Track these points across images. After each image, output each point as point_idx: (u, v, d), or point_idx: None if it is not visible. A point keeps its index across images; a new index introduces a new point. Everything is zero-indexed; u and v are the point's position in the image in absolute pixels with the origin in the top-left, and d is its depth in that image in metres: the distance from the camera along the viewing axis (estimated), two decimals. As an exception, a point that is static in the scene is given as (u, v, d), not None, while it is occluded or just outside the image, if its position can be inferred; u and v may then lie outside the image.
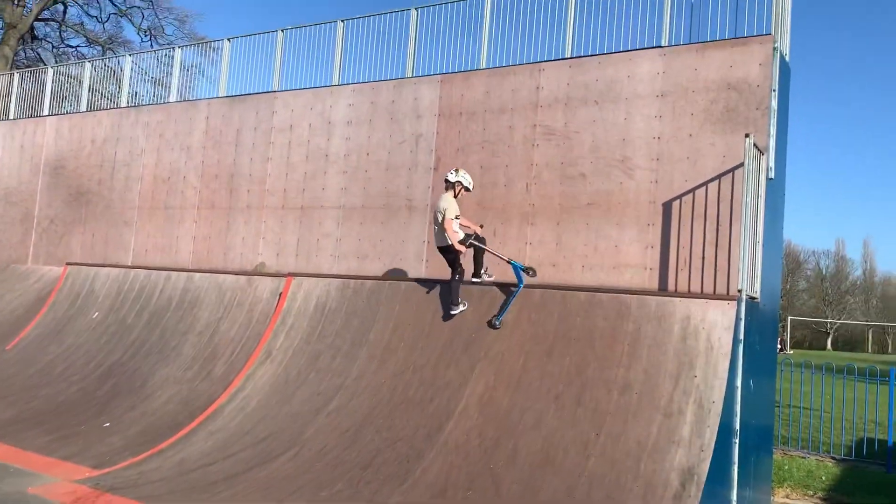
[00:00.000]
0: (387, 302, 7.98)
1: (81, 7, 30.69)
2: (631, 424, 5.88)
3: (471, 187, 7.86)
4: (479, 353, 6.99)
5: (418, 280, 8.30)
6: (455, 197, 7.68)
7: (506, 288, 7.59)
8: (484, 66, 9.00)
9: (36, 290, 12.11)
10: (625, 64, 7.93)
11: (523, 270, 7.57)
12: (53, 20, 30.53)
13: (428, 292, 7.94)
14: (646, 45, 7.92)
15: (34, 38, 30.08)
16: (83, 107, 13.21)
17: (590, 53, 8.28)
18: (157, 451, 6.83)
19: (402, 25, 9.78)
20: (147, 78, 14.04)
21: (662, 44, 7.81)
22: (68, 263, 11.82)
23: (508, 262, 7.62)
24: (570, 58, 8.36)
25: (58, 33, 31.05)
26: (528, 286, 7.51)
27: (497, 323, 7.22)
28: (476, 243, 7.71)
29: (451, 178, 7.75)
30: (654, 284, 7.30)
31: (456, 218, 7.53)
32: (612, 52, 8.10)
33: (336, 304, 8.33)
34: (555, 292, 7.19)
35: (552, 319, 6.93)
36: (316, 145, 9.99)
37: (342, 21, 10.23)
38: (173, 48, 12.85)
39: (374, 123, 9.57)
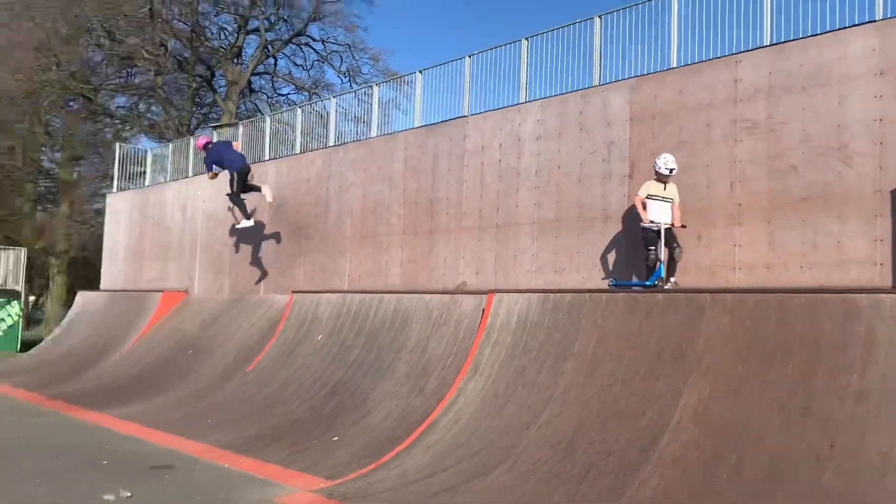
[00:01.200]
0: (588, 314, 7.93)
1: (289, 58, 33.82)
2: (870, 436, 5.35)
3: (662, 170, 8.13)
4: (690, 364, 6.72)
5: (618, 290, 8.17)
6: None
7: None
8: (675, 66, 8.73)
9: (268, 318, 13.42)
10: (833, 44, 7.32)
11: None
12: (266, 73, 33.91)
13: (630, 302, 7.79)
14: (856, 22, 7.27)
15: (251, 91, 33.57)
16: (297, 149, 14.53)
17: (791, 38, 7.74)
18: (381, 464, 7.28)
19: (585, 35, 9.78)
20: (349, 117, 15.15)
21: (876, 17, 7.12)
22: (293, 291, 12.98)
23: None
24: (770, 45, 7.87)
25: (270, 84, 34.43)
26: (741, 290, 7.13)
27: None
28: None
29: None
30: (887, 281, 6.62)
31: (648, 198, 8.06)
32: (816, 34, 7.52)
33: (537, 318, 8.41)
34: (770, 296, 6.75)
35: (769, 325, 6.51)
36: (507, 164, 10.21)
37: (526, 39, 10.41)
38: (371, 86, 13.77)
39: (564, 136, 9.60)
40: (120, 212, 20.14)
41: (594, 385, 7.23)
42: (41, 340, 21.47)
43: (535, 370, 7.81)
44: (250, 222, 13.04)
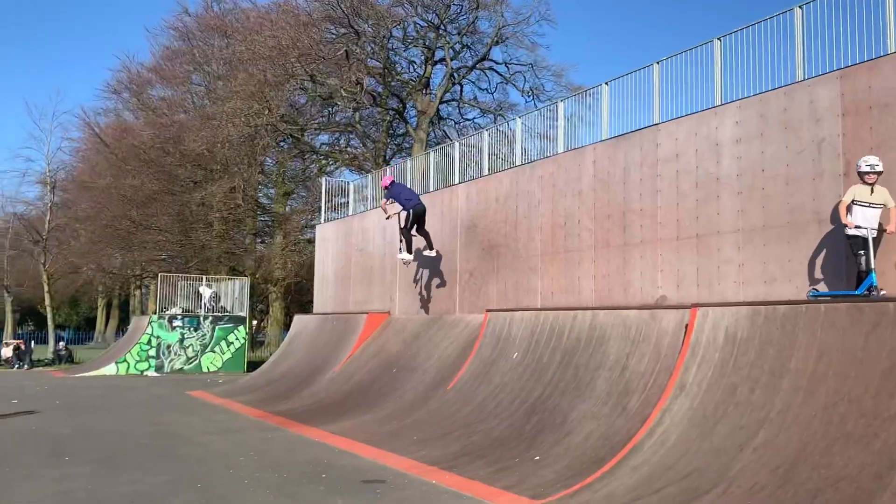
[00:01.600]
0: (806, 327, 7.29)
1: (473, 83, 34.79)
2: None
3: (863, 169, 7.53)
4: (933, 380, 5.95)
5: (838, 300, 7.44)
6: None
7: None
8: (893, 50, 7.86)
9: (464, 337, 13.75)
10: None
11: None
12: (453, 100, 35.12)
13: (853, 313, 7.06)
14: None
15: (440, 118, 34.87)
16: (485, 171, 14.83)
17: None
18: (586, 485, 7.14)
19: (784, 27, 9.11)
20: (535, 134, 15.24)
21: None
22: (488, 310, 13.21)
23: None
24: None
25: (458, 110, 35.59)
26: None
27: None
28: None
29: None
30: None
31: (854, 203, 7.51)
32: None
33: (747, 333, 7.87)
34: None
35: None
36: (705, 170, 9.71)
37: (718, 39, 9.89)
38: (555, 102, 13.75)
39: (767, 136, 8.97)
40: (328, 240, 21.69)
41: (816, 404, 6.62)
42: (264, 361, 23.57)
43: (748, 389, 7.30)
44: (410, 257, 14.43)
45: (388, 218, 14.99)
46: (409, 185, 16.45)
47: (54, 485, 7.95)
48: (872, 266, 7.36)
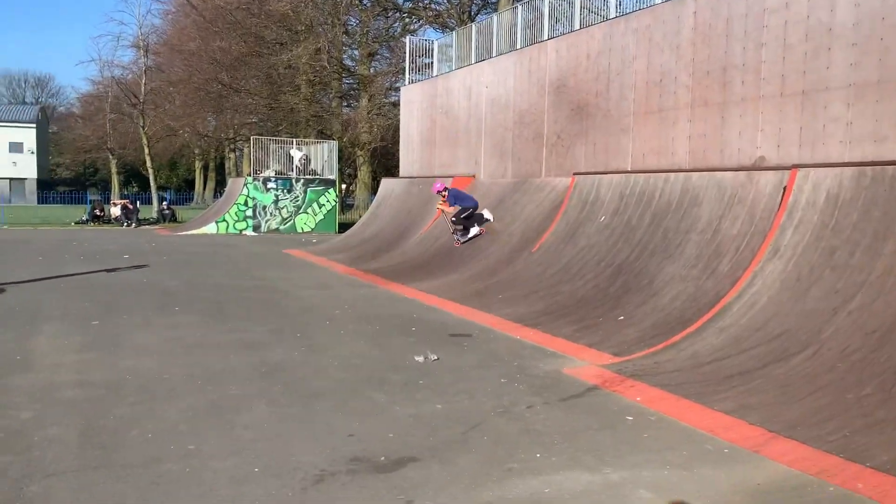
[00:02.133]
0: (918, 189, 6.86)
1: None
2: None
3: None
4: None
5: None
6: None
7: None
8: None
9: (550, 200, 13.67)
10: None
11: None
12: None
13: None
14: None
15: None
16: (576, 25, 14.11)
17: None
18: (671, 344, 7.21)
19: None
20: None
21: None
22: (575, 173, 13.00)
23: None
24: None
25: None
26: None
27: None
28: None
29: None
30: None
31: None
32: None
33: (850, 195, 7.48)
34: None
35: None
36: (816, 20, 8.92)
37: None
38: (654, -52, 12.71)
39: (893, -21, 8.08)
40: (413, 102, 21.51)
41: (922, 270, 6.33)
42: (353, 223, 24.27)
43: (847, 252, 7.03)
44: (477, 230, 14.82)
45: (442, 213, 15.49)
46: (497, 49, 15.91)
47: (167, 331, 8.64)
48: None
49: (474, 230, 14.83)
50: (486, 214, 14.95)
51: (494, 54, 17.11)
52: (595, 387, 6.39)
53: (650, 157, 11.65)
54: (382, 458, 4.61)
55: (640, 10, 12.31)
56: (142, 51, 36.40)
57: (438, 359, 7.34)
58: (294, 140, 29.25)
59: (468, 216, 14.79)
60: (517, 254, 12.64)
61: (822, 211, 7.62)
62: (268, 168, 27.57)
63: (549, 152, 14.48)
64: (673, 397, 5.90)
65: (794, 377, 5.92)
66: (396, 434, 5.09)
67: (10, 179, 62.38)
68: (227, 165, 60.37)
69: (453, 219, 14.88)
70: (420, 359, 7.29)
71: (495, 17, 18.13)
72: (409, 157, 21.60)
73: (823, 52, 8.83)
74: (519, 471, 4.46)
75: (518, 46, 16.13)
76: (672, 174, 10.55)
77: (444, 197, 15.12)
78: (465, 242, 14.73)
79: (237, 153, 54.10)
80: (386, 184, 22.42)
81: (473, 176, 17.38)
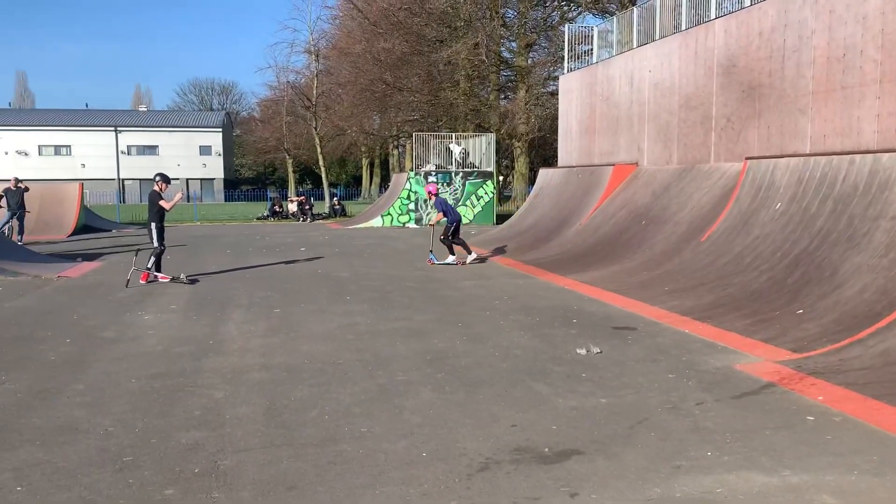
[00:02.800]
0: None
1: None
2: None
3: None
4: None
5: None
6: None
7: None
8: None
9: (720, 186, 13.00)
10: None
11: None
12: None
13: None
14: None
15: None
16: (746, 2, 13.29)
17: None
18: (857, 340, 6.64)
19: None
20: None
21: None
22: (747, 158, 12.27)
23: None
24: None
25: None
26: None
27: None
28: None
29: None
30: None
31: None
32: None
33: None
34: None
35: None
36: None
37: None
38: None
39: None
40: (571, 91, 21.24)
41: None
42: (511, 215, 24.39)
43: None
44: (453, 258, 14.81)
45: (433, 225, 15.73)
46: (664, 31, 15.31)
47: (340, 318, 9.16)
48: None
49: (452, 259, 14.62)
50: (474, 254, 14.89)
51: (658, 37, 16.50)
52: (771, 384, 6.03)
53: (832, 138, 10.76)
54: (546, 450, 4.64)
55: (820, -21, 11.39)
56: (313, 55, 38.54)
57: (601, 352, 7.24)
58: (453, 134, 29.82)
59: (455, 232, 14.68)
60: (684, 243, 12.15)
61: None
62: (428, 163, 28.33)
63: (718, 137, 13.77)
64: (860, 397, 5.45)
65: None
66: (559, 426, 5.09)
67: (201, 180, 68.37)
68: (390, 162, 62.73)
69: (441, 237, 14.74)
70: (582, 351, 7.22)
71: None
72: (568, 147, 21.35)
73: None
74: (688, 468, 4.32)
75: (683, 28, 15.45)
76: (858, 156, 9.69)
77: (432, 196, 15.27)
78: (438, 265, 14.45)
79: (400, 150, 56.07)
80: (544, 174, 22.32)
81: (636, 163, 16.89)
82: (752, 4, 13.01)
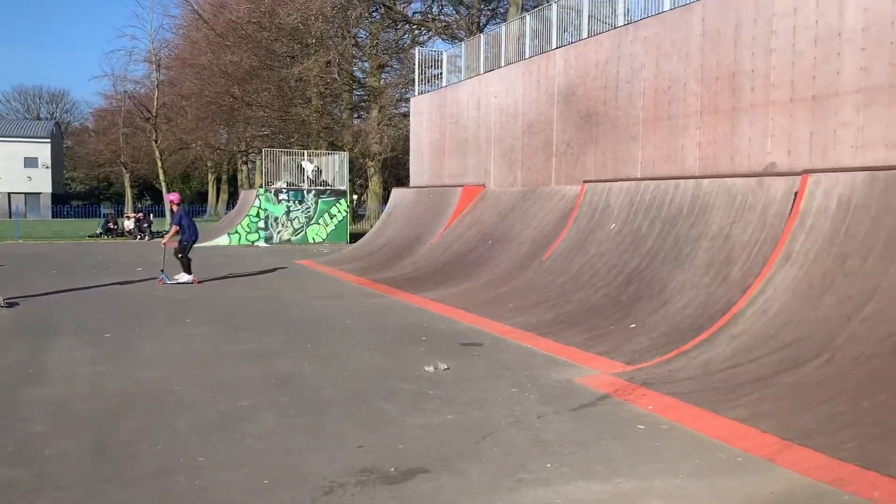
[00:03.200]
0: (932, 193, 6.79)
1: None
2: None
3: None
4: None
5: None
6: None
7: None
8: None
9: (560, 208, 13.65)
10: None
11: None
12: (550, -41, 33.03)
13: None
14: None
15: (536, -20, 33.02)
16: (584, 34, 14.13)
17: None
18: (682, 352, 7.16)
19: None
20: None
21: None
22: (585, 181, 12.97)
23: None
24: None
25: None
26: None
27: None
28: None
29: None
30: None
31: None
32: None
33: (863, 201, 7.42)
34: None
35: None
36: (826, 24, 8.89)
37: None
38: (662, -45, 12.72)
39: (903, -17, 8.04)
40: (422, 113, 21.57)
41: (936, 275, 6.26)
42: (365, 233, 24.32)
43: (860, 258, 6.97)
44: (190, 277, 14.59)
45: (165, 245, 15.01)
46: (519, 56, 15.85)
47: (179, 342, 8.67)
48: None
49: (187, 278, 14.44)
50: (190, 278, 14.50)
51: (503, 64, 17.15)
52: (606, 396, 6.35)
53: (660, 164, 11.61)
54: (392, 470, 4.60)
55: (648, 17, 12.31)
56: (154, 65, 36.73)
57: (449, 368, 7.32)
58: (305, 152, 29.39)
59: (187, 250, 14.43)
60: (528, 262, 12.62)
61: (833, 217, 7.57)
62: (279, 180, 27.71)
63: (559, 161, 14.47)
64: (685, 405, 5.86)
65: (807, 385, 5.86)
66: (406, 445, 5.07)
67: (26, 194, 62.98)
68: (239, 178, 60.71)
69: (178, 253, 14.39)
70: (430, 369, 7.27)
71: (503, 28, 18.19)
72: (420, 167, 21.64)
73: (833, 57, 8.79)
74: (530, 481, 4.43)
75: (526, 56, 16.15)
76: (682, 181, 10.51)
77: (174, 205, 15.01)
78: (170, 284, 14.18)
79: (249, 165, 54.42)
80: (396, 193, 22.47)
81: (483, 185, 17.39)
82: (589, 37, 13.83)
